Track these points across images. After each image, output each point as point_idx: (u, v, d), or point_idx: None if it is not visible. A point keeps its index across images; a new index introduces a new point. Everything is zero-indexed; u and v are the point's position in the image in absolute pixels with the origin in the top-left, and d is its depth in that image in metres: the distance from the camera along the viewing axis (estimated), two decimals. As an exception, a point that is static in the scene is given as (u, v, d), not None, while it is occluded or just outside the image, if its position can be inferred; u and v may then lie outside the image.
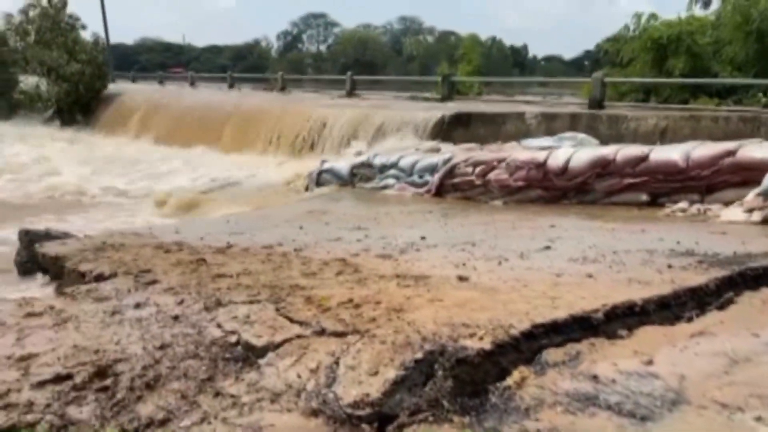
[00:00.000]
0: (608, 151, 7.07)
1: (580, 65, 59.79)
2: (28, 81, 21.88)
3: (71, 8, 22.94)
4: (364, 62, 57.31)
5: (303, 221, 6.18)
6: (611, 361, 2.39)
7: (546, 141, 8.41)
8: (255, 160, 12.72)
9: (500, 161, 7.59)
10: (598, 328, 2.68)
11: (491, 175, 7.57)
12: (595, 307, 2.74)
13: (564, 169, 7.06)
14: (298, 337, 2.50)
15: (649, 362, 2.39)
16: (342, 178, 9.17)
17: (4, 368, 2.42)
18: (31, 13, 22.26)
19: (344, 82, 17.37)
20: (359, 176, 9.05)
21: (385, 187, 8.61)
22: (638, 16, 13.25)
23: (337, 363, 2.24)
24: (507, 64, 49.28)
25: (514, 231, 5.35)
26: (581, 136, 8.46)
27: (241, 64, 57.32)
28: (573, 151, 7.26)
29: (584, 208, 6.80)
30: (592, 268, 3.67)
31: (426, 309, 2.71)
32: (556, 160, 7.17)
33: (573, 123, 9.08)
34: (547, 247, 4.44)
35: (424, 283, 3.21)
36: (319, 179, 9.45)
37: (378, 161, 8.87)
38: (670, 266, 3.60)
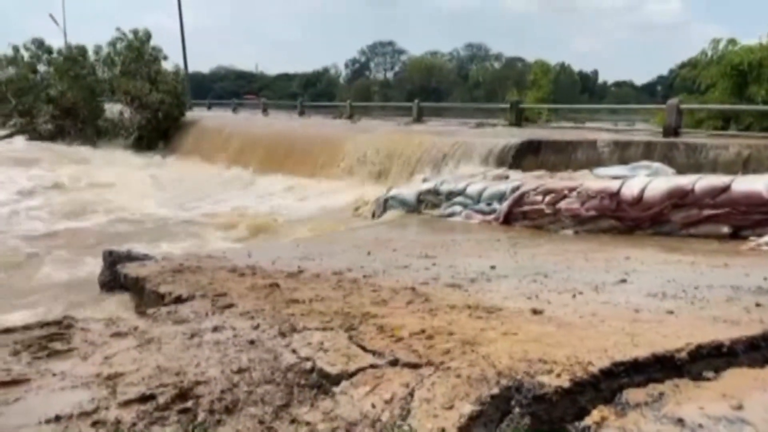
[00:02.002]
0: (686, 180, 6.83)
1: (652, 91, 58.20)
2: (113, 109, 23.21)
3: (154, 40, 24.32)
4: (431, 89, 57.69)
5: (371, 247, 6.23)
6: (697, 404, 2.28)
7: (619, 170, 8.19)
8: (323, 185, 12.96)
9: (571, 190, 7.45)
10: (682, 368, 2.57)
11: (562, 204, 7.43)
12: (678, 347, 2.63)
13: (638, 199, 6.85)
14: (372, 366, 2.51)
15: (739, 407, 2.26)
16: (408, 205, 9.20)
17: (93, 386, 2.55)
18: (118, 46, 23.68)
19: (411, 109, 17.52)
20: (426, 203, 9.07)
21: (452, 215, 8.58)
22: (716, 41, 12.82)
23: (411, 395, 2.24)
24: (575, 89, 48.53)
25: (587, 262, 5.21)
26: (656, 165, 8.20)
27: (311, 91, 58.82)
28: (648, 181, 7.05)
29: (660, 239, 6.56)
30: (673, 304, 3.53)
31: (500, 342, 2.67)
32: (631, 189, 6.97)
33: (647, 151, 8.82)
34: (623, 281, 4.30)
35: (496, 316, 3.17)
36: (385, 205, 9.53)
37: (445, 188, 8.87)
38: (758, 305, 3.42)
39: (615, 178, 7.70)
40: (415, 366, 2.46)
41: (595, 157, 9.22)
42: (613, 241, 6.52)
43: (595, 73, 65.51)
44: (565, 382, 2.26)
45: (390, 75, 77.27)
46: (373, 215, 9.68)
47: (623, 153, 8.99)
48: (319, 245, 6.73)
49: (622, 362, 2.48)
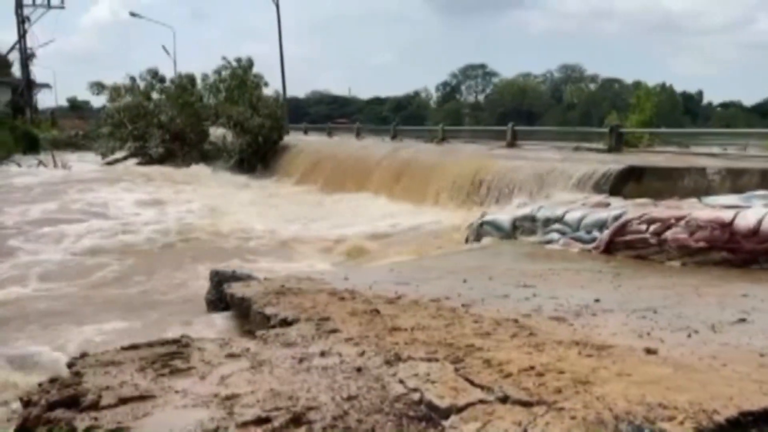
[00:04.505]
0: (811, 212, 6.34)
1: (763, 112, 54.65)
2: (216, 133, 24.51)
3: (255, 68, 25.56)
4: (522, 111, 56.97)
5: (466, 274, 6.18)
6: (839, 463, 2.11)
7: (732, 199, 7.71)
8: (416, 209, 13.02)
9: (678, 219, 7.09)
10: (819, 422, 2.38)
11: (668, 234, 7.08)
12: (814, 398, 2.44)
13: (755, 231, 6.42)
14: (481, 402, 2.49)
15: None
16: (503, 231, 9.06)
17: (212, 405, 2.68)
18: (223, 73, 25.07)
19: (504, 132, 17.31)
20: (521, 229, 8.89)
21: (548, 242, 8.37)
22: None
23: (524, 434, 2.20)
24: (677, 111, 46.39)
25: (699, 298, 4.93)
26: (775, 194, 7.66)
27: (401, 115, 59.59)
28: (766, 211, 6.60)
29: (781, 275, 6.10)
30: (803, 348, 3.27)
31: (614, 383, 2.58)
32: (746, 220, 6.55)
33: (764, 179, 8.26)
34: (742, 320, 4.04)
35: (607, 354, 3.06)
36: (479, 231, 9.42)
37: (542, 214, 8.68)
38: None
39: (727, 207, 7.27)
40: (526, 404, 2.42)
41: (704, 185, 8.74)
42: (726, 276, 6.13)
43: (700, 93, 62.29)
44: (688, 430, 2.15)
45: (481, 97, 76.98)
46: (467, 240, 9.60)
47: (736, 181, 8.47)
48: (414, 270, 6.76)
49: (750, 412, 2.33)
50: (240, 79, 24.55)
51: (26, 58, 43.66)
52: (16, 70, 45.19)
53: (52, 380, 2.99)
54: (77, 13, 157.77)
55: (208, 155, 24.15)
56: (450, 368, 2.90)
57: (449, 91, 79.88)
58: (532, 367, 2.80)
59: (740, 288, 5.30)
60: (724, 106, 63.67)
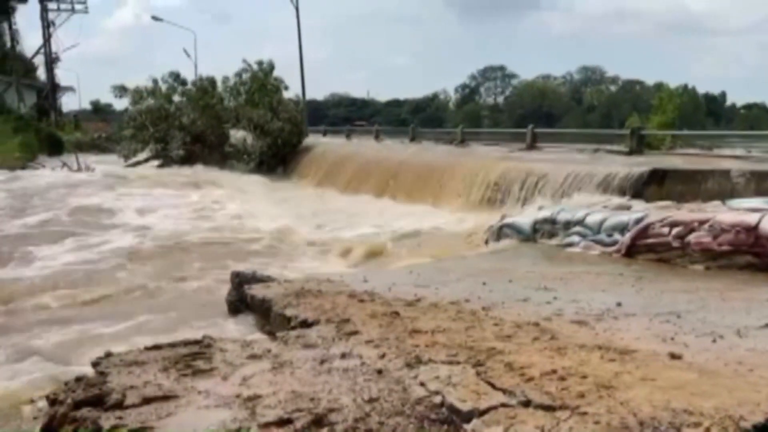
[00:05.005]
0: (839, 215, 6.21)
1: (789, 112, 53.80)
2: (237, 135, 24.68)
3: (275, 70, 25.70)
4: (542, 113, 56.64)
5: (486, 277, 6.15)
6: None
7: (757, 202, 7.58)
8: (435, 211, 12.99)
9: (702, 222, 6.99)
10: None
11: (691, 237, 6.99)
12: (844, 405, 2.39)
13: (781, 235, 6.31)
14: (503, 405, 2.48)
15: None
16: (523, 234, 9.01)
17: (234, 406, 2.70)
18: (244, 76, 25.24)
19: (523, 134, 17.21)
20: (541, 232, 8.83)
21: (569, 245, 8.30)
22: None
23: (547, 439, 2.19)
24: (699, 113, 45.79)
25: (724, 302, 4.86)
26: (801, 197, 7.51)
27: (420, 117, 59.57)
28: (792, 215, 6.48)
29: (807, 279, 5.98)
30: (832, 355, 3.21)
31: (638, 388, 2.56)
32: (772, 223, 6.44)
33: (790, 182, 8.11)
34: (768, 325, 3.97)
35: (631, 358, 3.03)
36: (499, 233, 9.37)
37: (562, 217, 8.61)
38: None
39: (752, 210, 7.15)
40: (548, 408, 2.41)
41: (728, 188, 8.59)
42: (751, 280, 6.03)
43: (723, 95, 61.46)
44: (715, 437, 2.12)
45: (500, 99, 76.69)
46: (486, 243, 9.56)
47: (761, 184, 8.32)
48: (433, 273, 6.74)
49: (778, 419, 2.29)
50: (260, 83, 24.70)
51: (51, 61, 44.53)
52: (41, 74, 46.13)
53: (78, 379, 3.03)
54: (100, 17, 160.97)
55: (228, 157, 24.33)
56: (471, 371, 2.89)
57: (468, 93, 79.65)
58: (554, 371, 2.78)
59: (766, 292, 5.22)
60: (748, 107, 62.75)
